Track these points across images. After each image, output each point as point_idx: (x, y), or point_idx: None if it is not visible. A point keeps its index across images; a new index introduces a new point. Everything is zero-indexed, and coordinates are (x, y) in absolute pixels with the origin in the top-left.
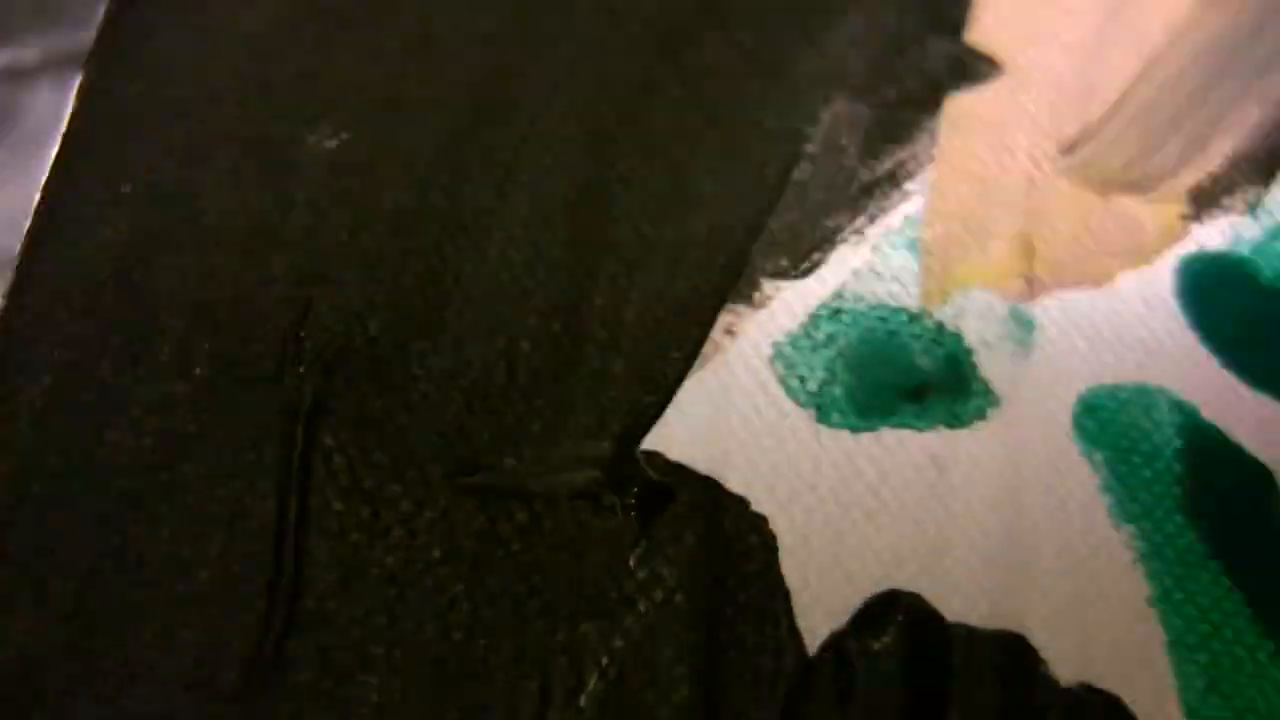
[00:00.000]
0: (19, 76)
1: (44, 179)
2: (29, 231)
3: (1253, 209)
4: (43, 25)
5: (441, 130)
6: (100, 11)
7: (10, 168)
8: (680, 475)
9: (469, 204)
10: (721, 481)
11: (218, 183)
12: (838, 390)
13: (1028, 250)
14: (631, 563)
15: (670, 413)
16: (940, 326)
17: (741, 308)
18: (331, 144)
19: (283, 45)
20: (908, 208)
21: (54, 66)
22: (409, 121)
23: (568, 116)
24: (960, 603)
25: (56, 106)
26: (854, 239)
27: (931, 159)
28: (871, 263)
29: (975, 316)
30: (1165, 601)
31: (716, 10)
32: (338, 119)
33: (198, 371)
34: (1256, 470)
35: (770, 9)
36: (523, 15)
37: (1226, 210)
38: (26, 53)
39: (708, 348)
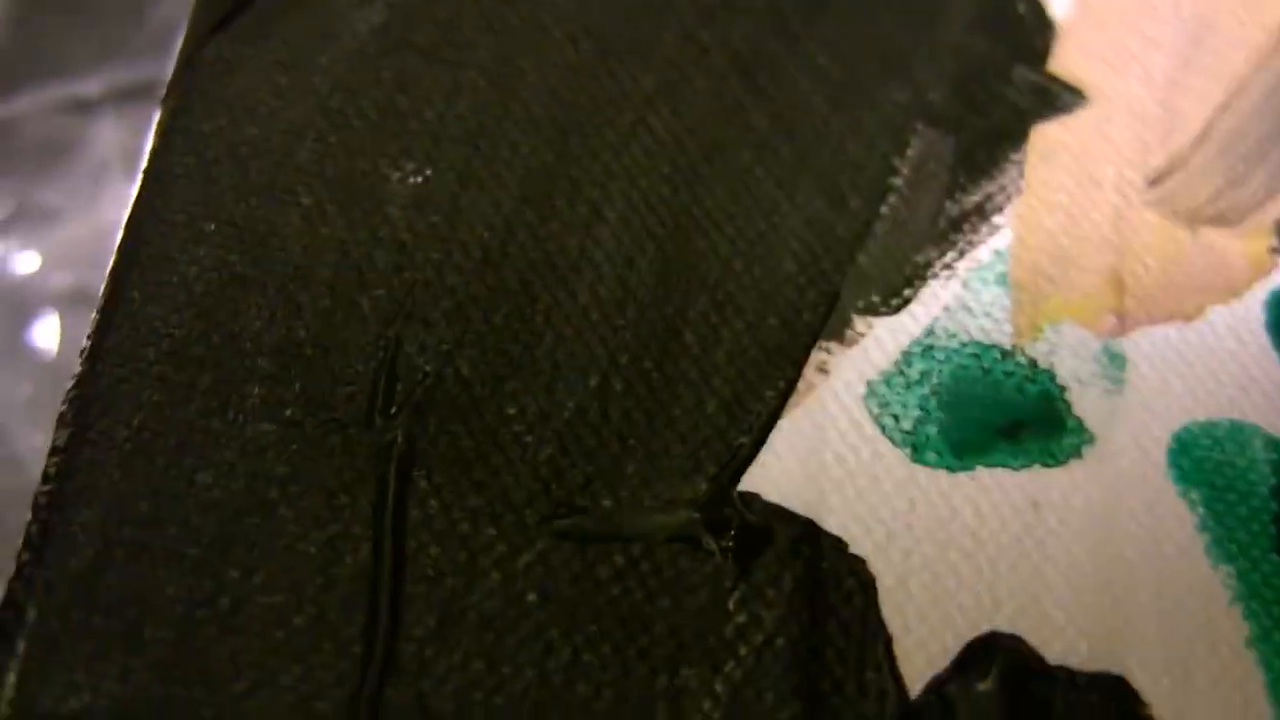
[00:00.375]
0: (82, 108)
1: (125, 216)
2: (111, 271)
3: None
4: (104, 58)
5: (526, 166)
6: (164, 45)
7: (77, 199)
8: (777, 517)
9: (556, 241)
10: (819, 523)
11: (302, 221)
12: (932, 429)
13: (1117, 285)
14: (731, 606)
15: (765, 453)
16: (1033, 363)
17: (834, 345)
18: (415, 180)
19: (364, 81)
20: (997, 242)
21: (116, 99)
22: (493, 157)
23: (653, 151)
24: (1060, 645)
25: (119, 138)
26: (944, 274)
27: (1019, 191)
28: (962, 298)
29: (1067, 353)
30: (1264, 642)
31: (800, 42)
32: (421, 155)
33: (288, 413)
34: None
35: (854, 40)
36: (606, 50)
37: None
38: (89, 85)
39: (801, 386)
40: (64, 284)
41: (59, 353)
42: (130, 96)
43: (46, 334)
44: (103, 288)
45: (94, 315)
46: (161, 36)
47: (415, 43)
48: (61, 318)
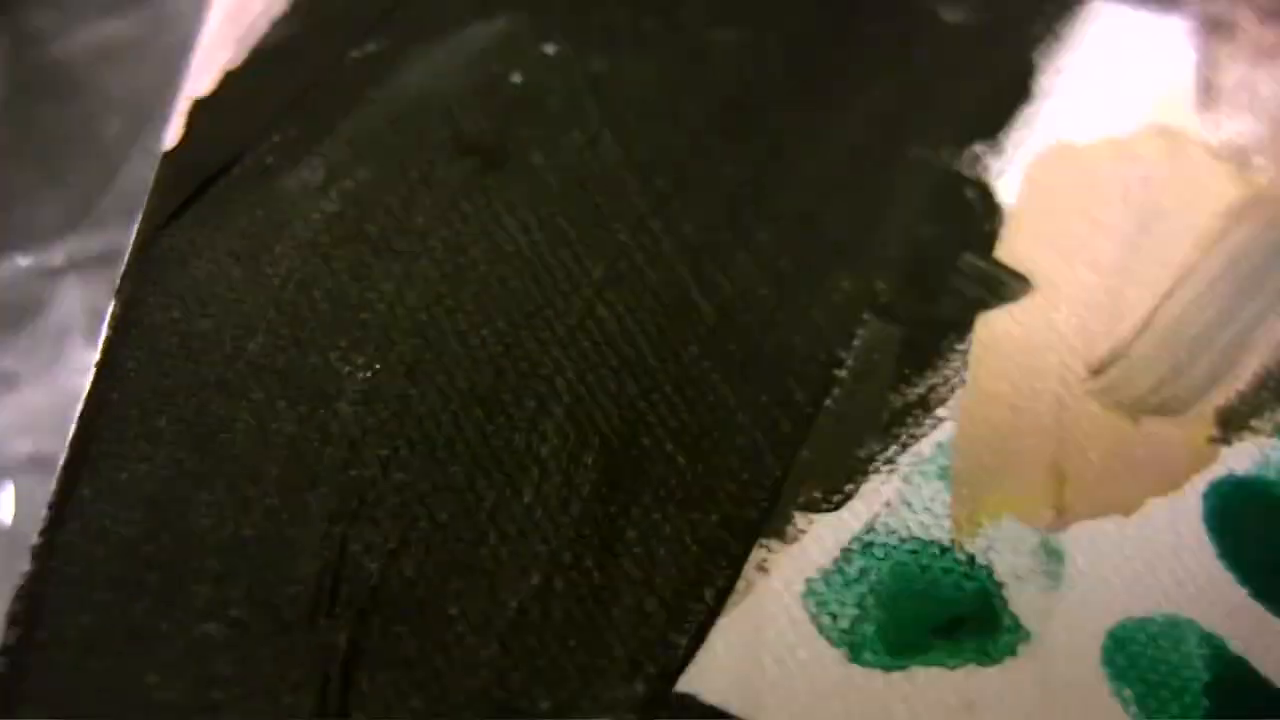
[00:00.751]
0: (46, 275)
1: (83, 383)
2: (64, 466)
3: None
4: (71, 226)
5: (475, 359)
6: (132, 212)
7: (35, 364)
8: (714, 718)
9: (502, 437)
10: None
11: (251, 417)
12: (869, 628)
13: (1058, 478)
14: None
15: (703, 653)
16: (971, 559)
17: (774, 543)
18: (365, 374)
19: (317, 272)
20: (939, 434)
21: (79, 266)
22: (442, 350)
23: (600, 344)
24: None
25: (80, 301)
26: (886, 468)
27: (963, 383)
28: (903, 493)
29: (1006, 549)
30: None
31: (751, 231)
32: (371, 348)
33: (233, 613)
34: None
35: (804, 229)
36: (557, 239)
37: (1255, 433)
38: (53, 255)
39: (740, 585)
40: (21, 451)
41: (15, 521)
42: (92, 262)
43: (3, 504)
44: (54, 483)
45: (45, 512)
46: (130, 203)
47: (367, 232)
48: (17, 485)
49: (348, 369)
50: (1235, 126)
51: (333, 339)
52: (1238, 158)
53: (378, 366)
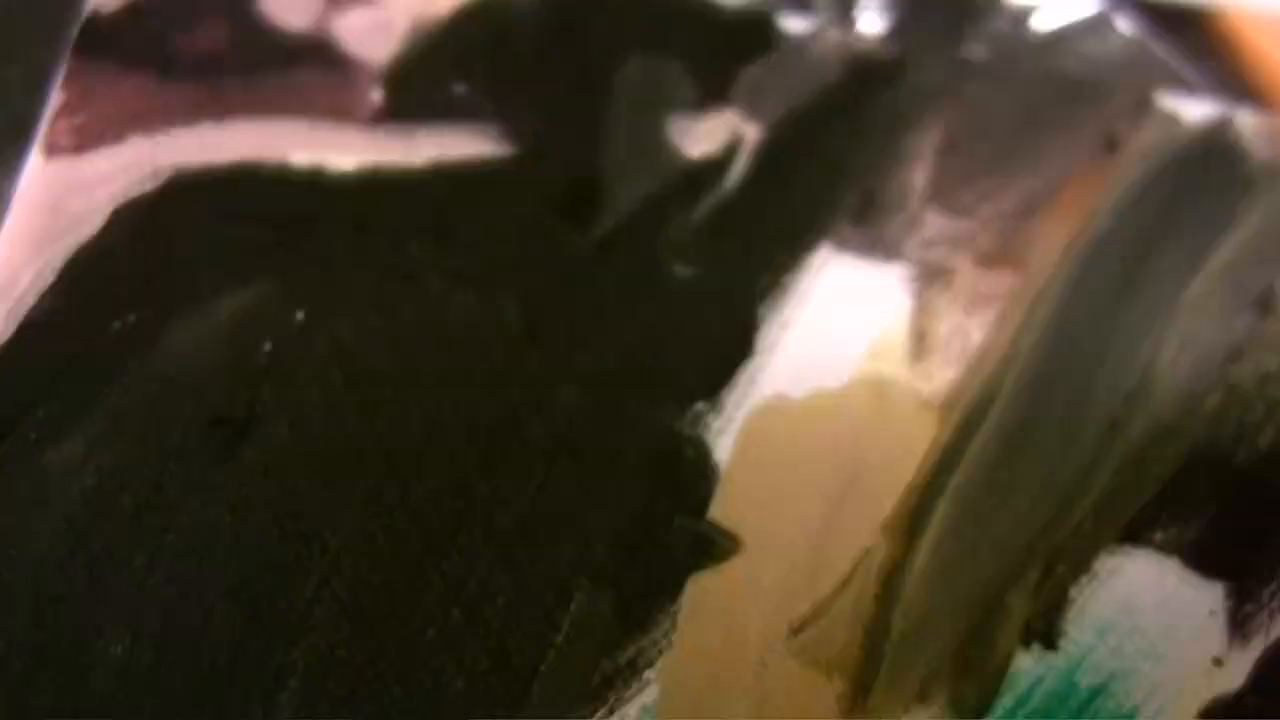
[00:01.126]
0: None
1: None
2: None
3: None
4: None
5: (218, 634)
6: None
7: None
8: None
9: (238, 712)
10: None
11: (7, 692)
12: None
13: None
14: None
15: None
16: None
17: None
18: (118, 650)
19: (72, 551)
20: (645, 697)
21: None
22: (187, 626)
23: (335, 615)
24: None
25: None
26: None
27: (670, 645)
28: None
29: None
30: None
31: (480, 500)
32: (124, 624)
33: None
34: None
35: (529, 496)
36: (299, 512)
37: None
38: None
39: None
40: None
41: None
42: None
43: None
44: None
45: None
46: None
47: (122, 507)
48: None
49: (101, 643)
50: (946, 375)
51: (89, 615)
52: (946, 406)
53: (128, 640)
